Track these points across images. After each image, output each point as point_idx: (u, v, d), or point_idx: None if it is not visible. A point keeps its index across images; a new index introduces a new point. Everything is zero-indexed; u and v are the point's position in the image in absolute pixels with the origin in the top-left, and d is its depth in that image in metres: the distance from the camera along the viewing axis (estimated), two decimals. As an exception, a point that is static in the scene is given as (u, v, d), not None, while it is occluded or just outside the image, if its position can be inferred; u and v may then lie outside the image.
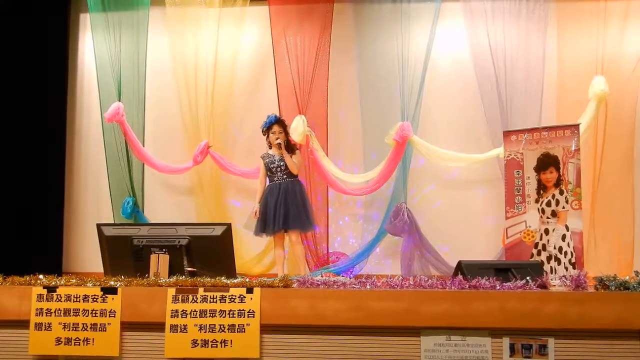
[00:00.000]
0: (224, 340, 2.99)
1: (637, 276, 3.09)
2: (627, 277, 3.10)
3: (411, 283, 3.19)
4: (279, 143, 6.14)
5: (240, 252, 7.00)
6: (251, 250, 7.06)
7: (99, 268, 3.78)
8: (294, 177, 6.22)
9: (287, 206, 6.07)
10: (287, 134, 6.31)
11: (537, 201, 6.04)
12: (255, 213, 6.19)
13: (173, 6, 7.32)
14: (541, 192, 6.03)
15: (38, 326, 3.10)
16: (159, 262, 3.48)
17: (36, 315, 3.11)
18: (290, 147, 6.26)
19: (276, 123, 6.23)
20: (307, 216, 6.18)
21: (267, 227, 6.12)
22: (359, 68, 7.21)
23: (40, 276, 3.39)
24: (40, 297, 3.14)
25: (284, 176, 6.17)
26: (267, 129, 6.26)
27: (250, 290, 3.04)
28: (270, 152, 6.30)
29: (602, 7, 6.87)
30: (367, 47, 7.21)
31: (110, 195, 7.24)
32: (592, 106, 6.65)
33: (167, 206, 7.42)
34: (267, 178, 6.28)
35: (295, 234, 6.16)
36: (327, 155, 6.98)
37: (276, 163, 6.18)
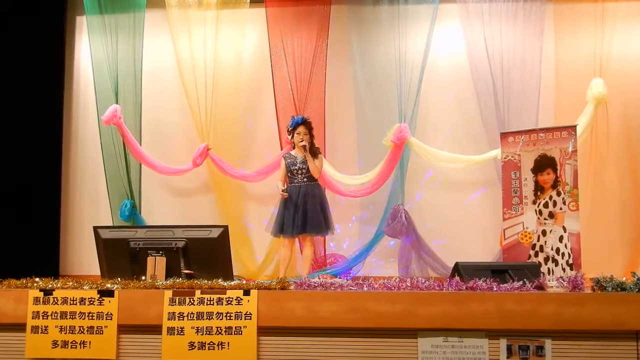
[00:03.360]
0: (221, 343, 2.98)
1: (634, 277, 3.09)
2: (624, 278, 3.10)
3: (408, 285, 3.18)
4: (304, 145, 6.12)
5: (246, 261, 7.01)
6: (255, 257, 7.07)
7: (96, 271, 3.77)
8: (315, 181, 6.21)
9: (306, 210, 6.06)
10: (312, 136, 6.28)
11: (534, 202, 6.05)
12: (282, 191, 6.10)
13: (171, 8, 7.31)
14: (538, 193, 6.03)
15: (34, 329, 3.09)
16: (156, 265, 3.48)
17: (33, 318, 3.11)
18: (314, 151, 6.23)
19: (302, 124, 6.20)
20: (325, 220, 6.17)
21: (285, 230, 6.11)
22: (356, 70, 7.21)
23: (37, 279, 3.38)
24: (36, 300, 3.13)
25: (305, 179, 6.16)
26: (292, 130, 6.24)
27: (247, 292, 3.03)
28: (293, 153, 6.30)
29: (599, 9, 6.88)
30: (365, 48, 7.21)
31: (109, 197, 7.24)
32: (590, 108, 6.68)
33: (164, 208, 7.42)
34: (287, 179, 6.26)
35: (310, 236, 6.16)
36: (324, 157, 6.98)
37: (298, 165, 6.17)
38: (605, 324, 2.85)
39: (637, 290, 2.98)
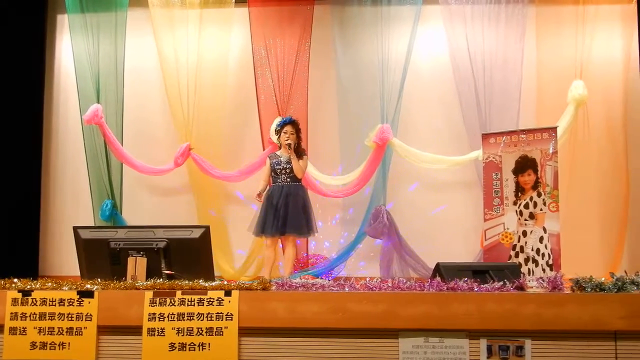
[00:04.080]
0: (202, 344, 2.97)
1: (613, 278, 3.12)
2: (603, 279, 3.13)
3: (390, 285, 3.19)
4: (289, 144, 6.14)
5: (227, 262, 6.99)
6: (236, 258, 7.05)
7: (76, 271, 3.74)
8: (298, 181, 6.22)
9: (287, 210, 6.08)
10: (299, 137, 6.31)
11: (515, 203, 6.08)
12: (259, 194, 6.19)
13: (154, 7, 7.27)
14: (519, 194, 6.07)
15: (12, 330, 3.06)
16: (137, 265, 3.46)
17: (10, 319, 3.07)
18: (299, 151, 6.26)
19: (290, 124, 6.26)
20: (307, 221, 6.19)
21: (265, 229, 6.12)
22: (339, 70, 7.22)
23: (15, 280, 3.35)
24: (14, 301, 3.10)
25: (288, 179, 6.18)
26: (279, 129, 6.29)
27: (228, 293, 3.02)
28: (278, 153, 6.34)
29: (580, 11, 6.94)
30: (348, 49, 7.22)
31: (92, 197, 7.19)
32: (570, 110, 6.73)
33: (145, 209, 7.38)
34: (271, 179, 6.29)
35: (291, 236, 6.16)
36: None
37: (282, 165, 6.20)
38: (585, 324, 2.88)
39: (615, 290, 3.01)
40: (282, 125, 6.28)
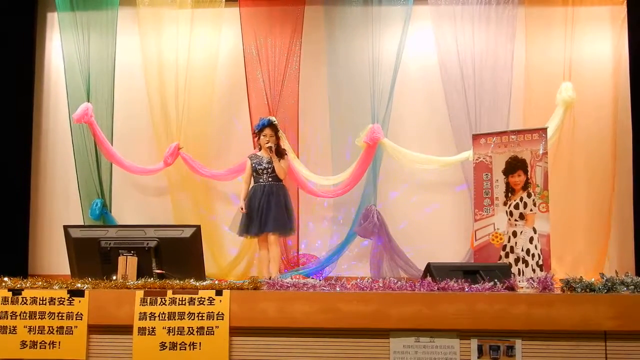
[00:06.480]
0: (193, 343, 2.97)
1: (602, 278, 3.14)
2: (593, 279, 3.15)
3: (380, 285, 3.20)
4: (270, 147, 6.17)
5: (215, 261, 6.97)
6: (226, 256, 7.03)
7: (66, 270, 3.73)
8: (279, 181, 6.25)
9: (269, 208, 6.11)
10: (278, 138, 6.33)
11: (505, 204, 6.09)
12: (242, 209, 6.22)
13: (144, 6, 7.24)
14: (509, 195, 6.08)
15: (3, 329, 3.05)
16: (127, 265, 3.45)
17: (1, 318, 3.06)
18: (280, 152, 6.28)
19: (268, 126, 6.26)
20: (288, 220, 6.22)
21: (250, 229, 6.16)
22: (329, 70, 7.20)
23: (5, 278, 3.34)
24: (5, 300, 3.09)
25: (269, 179, 6.21)
26: (259, 131, 6.29)
27: (219, 293, 3.02)
28: (259, 153, 6.34)
29: (570, 13, 6.96)
30: (338, 49, 7.21)
31: (80, 196, 7.15)
32: (559, 112, 6.74)
33: (135, 208, 7.35)
34: (252, 179, 6.31)
35: (274, 235, 6.17)
36: (297, 157, 6.98)
37: (263, 165, 6.22)
38: (574, 325, 2.90)
39: (605, 291, 3.03)
40: (261, 127, 6.29)
